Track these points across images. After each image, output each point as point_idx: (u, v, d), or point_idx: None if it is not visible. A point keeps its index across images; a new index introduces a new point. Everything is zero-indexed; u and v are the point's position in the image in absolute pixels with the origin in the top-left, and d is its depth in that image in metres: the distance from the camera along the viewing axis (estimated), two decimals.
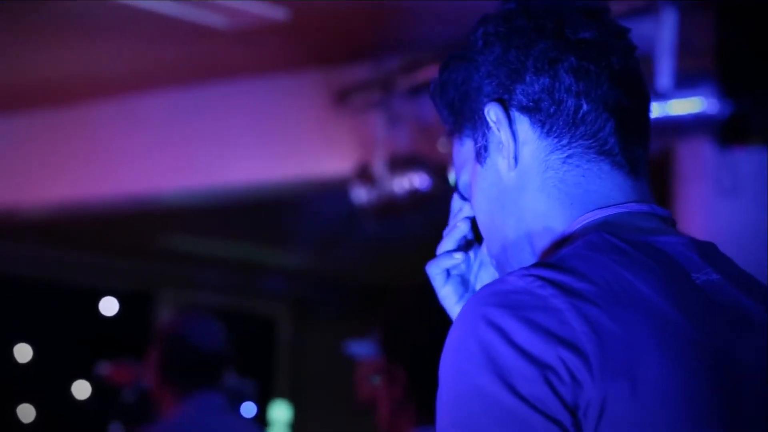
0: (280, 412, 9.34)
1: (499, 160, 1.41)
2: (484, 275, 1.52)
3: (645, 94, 1.43)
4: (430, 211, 5.02)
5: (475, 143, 1.44)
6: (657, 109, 4.07)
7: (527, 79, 1.39)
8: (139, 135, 6.22)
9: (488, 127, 1.41)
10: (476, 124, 1.43)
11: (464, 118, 1.45)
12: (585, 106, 1.37)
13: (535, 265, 1.28)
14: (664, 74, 4.07)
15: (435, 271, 1.50)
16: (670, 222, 1.41)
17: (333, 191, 5.70)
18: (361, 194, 5.22)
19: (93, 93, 6.14)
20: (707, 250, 1.37)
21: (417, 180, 5.04)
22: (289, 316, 9.85)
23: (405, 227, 5.41)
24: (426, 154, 5.09)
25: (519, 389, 1.19)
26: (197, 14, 4.85)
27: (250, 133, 5.89)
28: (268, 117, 5.82)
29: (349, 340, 5.26)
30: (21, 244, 8.11)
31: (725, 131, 4.06)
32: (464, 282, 1.52)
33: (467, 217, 1.50)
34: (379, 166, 5.18)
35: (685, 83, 4.07)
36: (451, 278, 1.51)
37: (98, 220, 6.97)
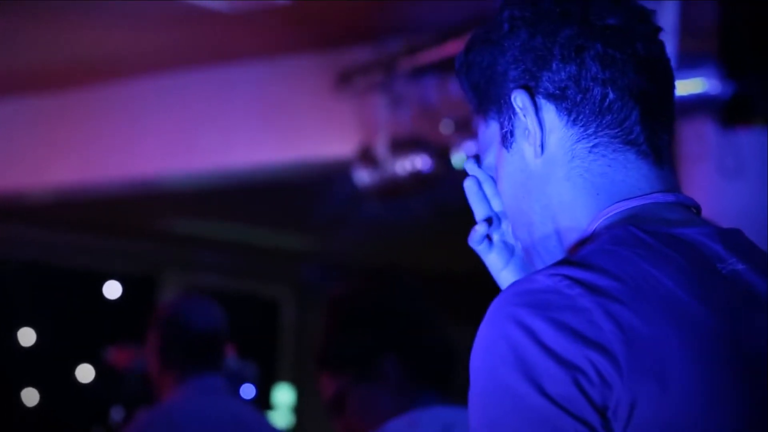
0: (284, 395, 9.35)
1: (525, 146, 1.41)
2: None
3: (669, 78, 1.42)
4: (433, 192, 5.01)
5: (501, 127, 1.44)
6: None
7: (554, 66, 1.38)
8: (143, 118, 6.22)
9: (514, 113, 1.41)
10: (502, 108, 1.43)
11: (489, 101, 1.45)
12: (611, 95, 1.37)
13: (562, 263, 1.28)
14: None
15: (474, 244, 1.51)
16: (696, 210, 1.40)
17: (335, 173, 5.69)
18: (363, 176, 5.21)
19: (95, 76, 6.13)
20: (732, 239, 1.36)
21: (419, 162, 5.03)
22: (293, 298, 9.85)
23: (407, 209, 5.40)
24: (428, 136, 5.09)
25: (548, 390, 1.19)
26: None
27: (252, 115, 5.88)
28: (270, 99, 5.82)
29: None
30: (24, 228, 8.11)
31: (728, 112, 4.05)
32: (507, 246, 1.51)
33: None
34: (381, 148, 5.17)
35: (687, 64, 4.06)
36: (494, 245, 1.51)
37: (101, 204, 6.97)
